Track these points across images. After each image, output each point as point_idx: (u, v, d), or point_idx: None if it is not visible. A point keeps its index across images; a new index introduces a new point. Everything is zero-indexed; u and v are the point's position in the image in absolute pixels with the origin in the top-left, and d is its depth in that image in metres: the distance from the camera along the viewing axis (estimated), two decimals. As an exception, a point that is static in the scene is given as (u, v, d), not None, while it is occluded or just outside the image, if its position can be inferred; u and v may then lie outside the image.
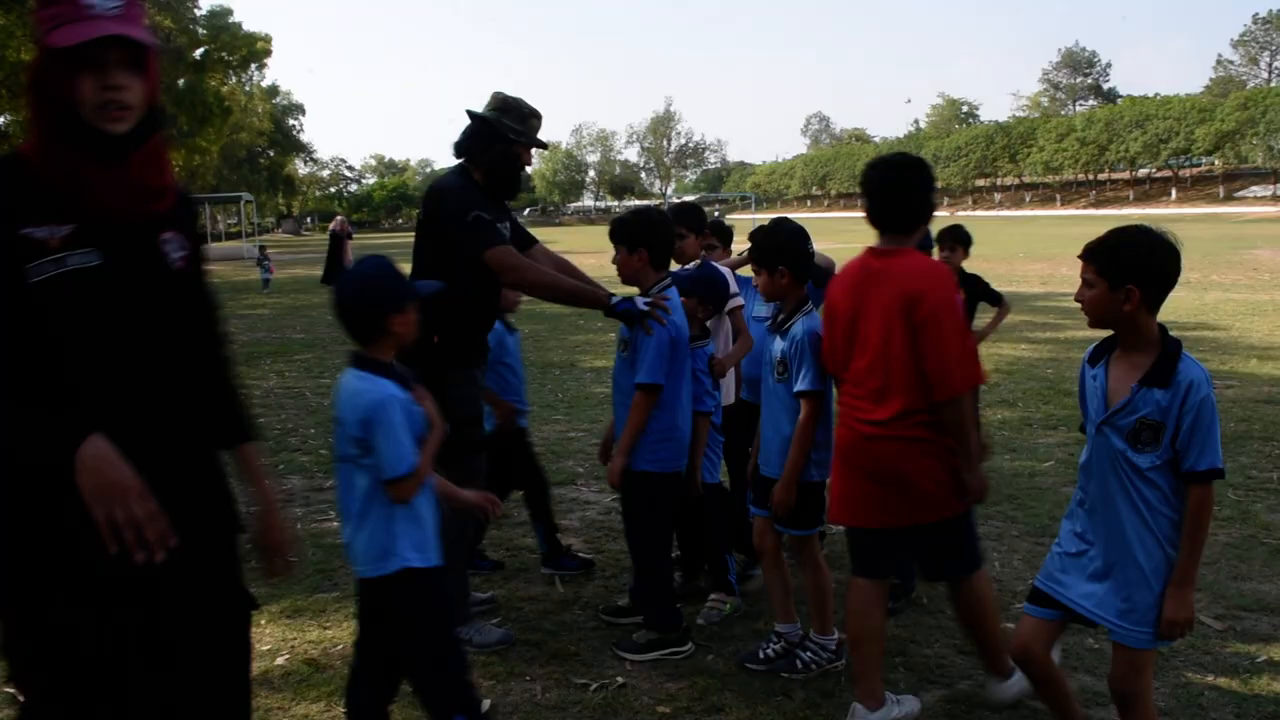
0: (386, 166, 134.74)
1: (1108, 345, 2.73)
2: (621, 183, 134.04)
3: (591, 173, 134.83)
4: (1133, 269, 2.57)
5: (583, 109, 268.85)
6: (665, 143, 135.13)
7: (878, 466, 3.17)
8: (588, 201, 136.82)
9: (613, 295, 3.75)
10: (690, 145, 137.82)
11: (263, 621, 4.14)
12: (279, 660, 3.85)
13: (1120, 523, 2.66)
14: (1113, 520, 2.68)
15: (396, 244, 37.88)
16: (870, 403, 3.16)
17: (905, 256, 3.22)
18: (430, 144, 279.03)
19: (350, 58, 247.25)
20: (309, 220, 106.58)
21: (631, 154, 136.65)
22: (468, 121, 3.90)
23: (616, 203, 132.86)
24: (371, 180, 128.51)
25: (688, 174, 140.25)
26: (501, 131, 3.80)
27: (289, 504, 5.85)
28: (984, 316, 5.73)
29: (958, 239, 5.70)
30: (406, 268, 3.16)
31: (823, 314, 3.51)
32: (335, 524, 5.42)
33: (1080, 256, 2.67)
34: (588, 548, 5.10)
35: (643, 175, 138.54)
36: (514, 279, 3.79)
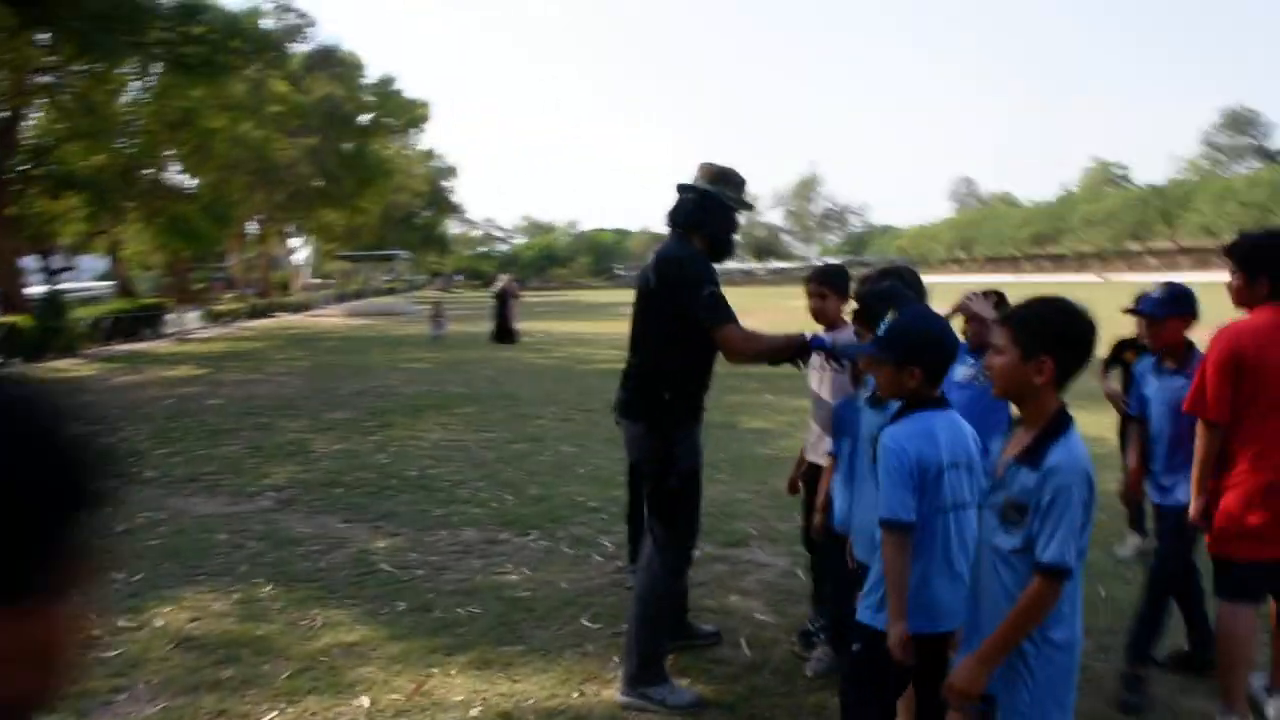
0: (535, 227, 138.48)
1: (1016, 421, 2.60)
2: (764, 245, 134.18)
3: (736, 236, 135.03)
4: (1050, 339, 2.43)
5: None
6: (808, 205, 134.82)
7: None
8: (730, 264, 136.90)
9: (803, 333, 4.00)
10: (834, 208, 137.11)
11: (453, 672, 4.18)
12: (472, 712, 3.87)
13: (982, 608, 2.54)
14: (980, 603, 2.56)
15: (546, 301, 38.73)
16: None
17: None
18: (576, 206, 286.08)
19: (501, 122, 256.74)
20: (457, 277, 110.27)
21: (775, 216, 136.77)
22: (677, 193, 4.13)
23: (759, 265, 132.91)
24: (520, 240, 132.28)
25: (830, 236, 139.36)
26: (723, 201, 4.05)
27: (465, 556, 5.92)
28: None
29: None
30: (584, 326, 3.12)
31: (1227, 359, 3.50)
32: (514, 577, 5.49)
33: (997, 321, 2.54)
34: (770, 611, 4.98)
35: (785, 238, 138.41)
36: (740, 357, 3.96)
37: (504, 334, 23.58)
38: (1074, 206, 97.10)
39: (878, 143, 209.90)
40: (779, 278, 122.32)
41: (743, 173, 4.14)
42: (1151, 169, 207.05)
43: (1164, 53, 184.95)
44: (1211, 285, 5.27)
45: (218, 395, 14.36)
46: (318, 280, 65.87)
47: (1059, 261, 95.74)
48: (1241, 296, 3.64)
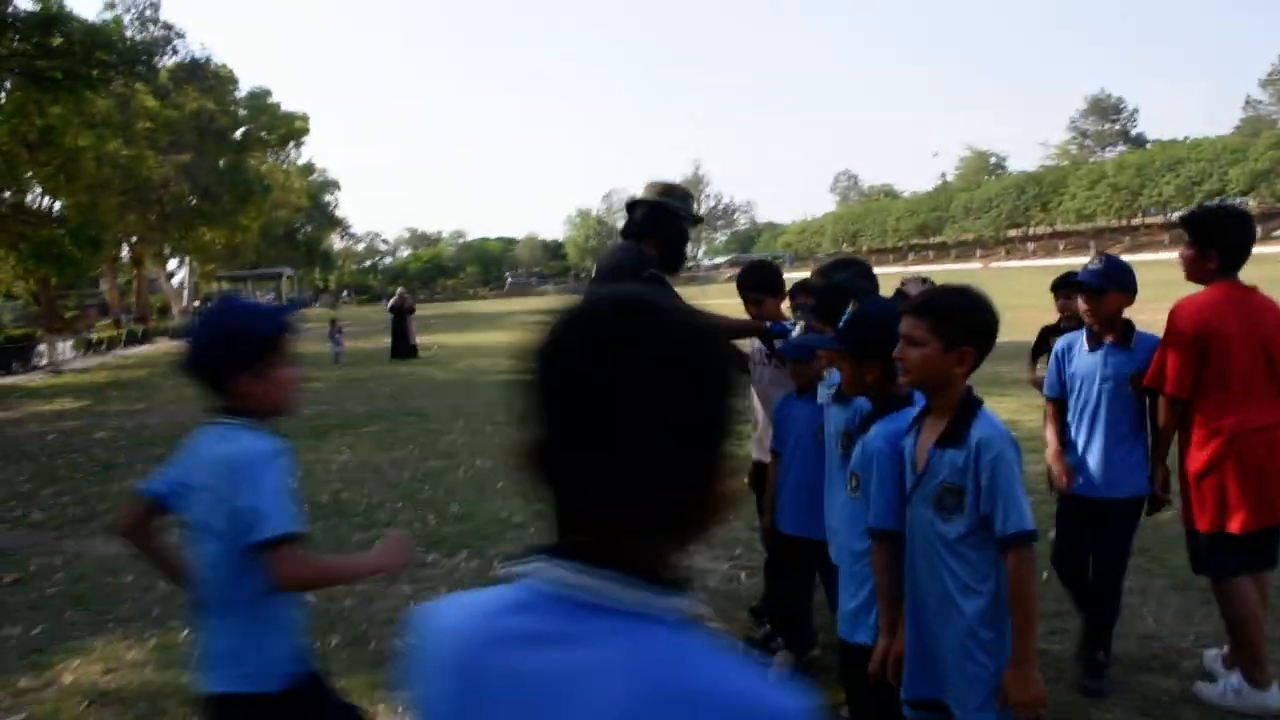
0: (420, 239, 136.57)
1: (922, 413, 2.60)
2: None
3: (687, 244, 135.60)
4: (972, 331, 2.46)
5: (614, 175, 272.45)
6: (695, 205, 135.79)
7: (1274, 464, 3.51)
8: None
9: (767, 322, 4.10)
10: (720, 207, 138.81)
11: (400, 709, 3.99)
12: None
13: (926, 603, 2.52)
14: (924, 598, 2.53)
15: (435, 314, 38.17)
16: (1267, 406, 3.53)
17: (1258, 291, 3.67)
18: (462, 216, 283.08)
19: (382, 133, 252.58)
20: (345, 294, 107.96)
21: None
22: (627, 210, 4.37)
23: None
24: (405, 252, 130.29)
25: (718, 235, 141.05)
26: (672, 211, 4.24)
27: (394, 582, 5.68)
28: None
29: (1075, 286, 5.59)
30: (480, 337, 2.98)
31: (1194, 335, 3.54)
32: (450, 600, 5.26)
33: (907, 312, 2.52)
34: (721, 619, 4.89)
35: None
36: None
37: (403, 348, 22.99)
38: (953, 196, 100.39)
39: (761, 141, 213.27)
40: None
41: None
42: (1025, 157, 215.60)
43: (1032, 43, 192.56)
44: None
45: (104, 427, 13.64)
46: (198, 302, 63.50)
47: (942, 250, 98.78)
48: (1192, 269, 3.73)
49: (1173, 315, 3.64)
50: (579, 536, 0.92)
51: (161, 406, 16.06)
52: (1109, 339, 3.85)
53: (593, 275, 4.27)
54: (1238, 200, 69.74)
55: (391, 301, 24.12)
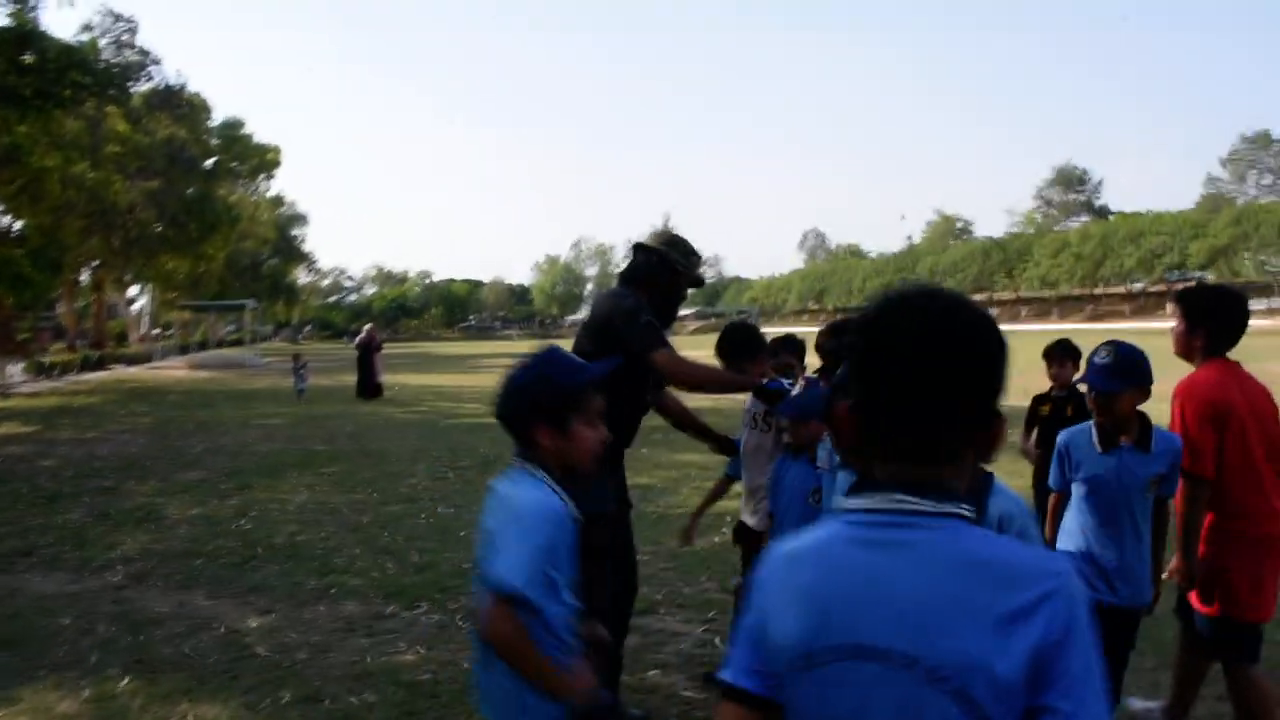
0: (386, 277, 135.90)
1: None
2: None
3: (590, 286, 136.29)
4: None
5: (582, 224, 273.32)
6: (700, 265, 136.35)
7: None
8: (585, 314, 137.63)
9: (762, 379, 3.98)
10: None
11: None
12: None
13: None
14: None
15: (398, 354, 37.82)
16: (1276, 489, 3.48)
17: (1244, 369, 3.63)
18: (429, 256, 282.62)
19: (354, 169, 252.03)
20: (307, 328, 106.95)
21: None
22: (631, 253, 4.20)
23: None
24: (371, 290, 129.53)
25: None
26: (671, 263, 4.06)
27: (350, 634, 5.39)
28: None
29: (1069, 353, 5.48)
30: (443, 378, 2.75)
31: (1214, 415, 3.42)
32: (409, 656, 5.00)
33: None
34: (696, 686, 4.64)
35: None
36: (682, 379, 3.92)
37: (369, 387, 22.53)
38: (919, 258, 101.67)
39: (731, 196, 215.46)
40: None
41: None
42: (991, 223, 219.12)
43: (1000, 112, 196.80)
44: (1051, 334, 5.41)
45: (51, 455, 13.18)
46: (157, 330, 62.52)
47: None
48: (1180, 345, 3.63)
49: (1185, 397, 3.48)
50: (899, 470, 1.28)
51: (113, 436, 15.60)
52: (1125, 440, 3.45)
53: (588, 319, 4.09)
54: (1197, 274, 71.19)
55: (359, 338, 23.62)
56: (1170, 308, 3.73)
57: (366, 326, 24.95)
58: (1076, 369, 5.43)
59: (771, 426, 4.15)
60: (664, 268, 4.06)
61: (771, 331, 4.97)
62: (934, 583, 1.20)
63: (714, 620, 5.54)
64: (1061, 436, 3.70)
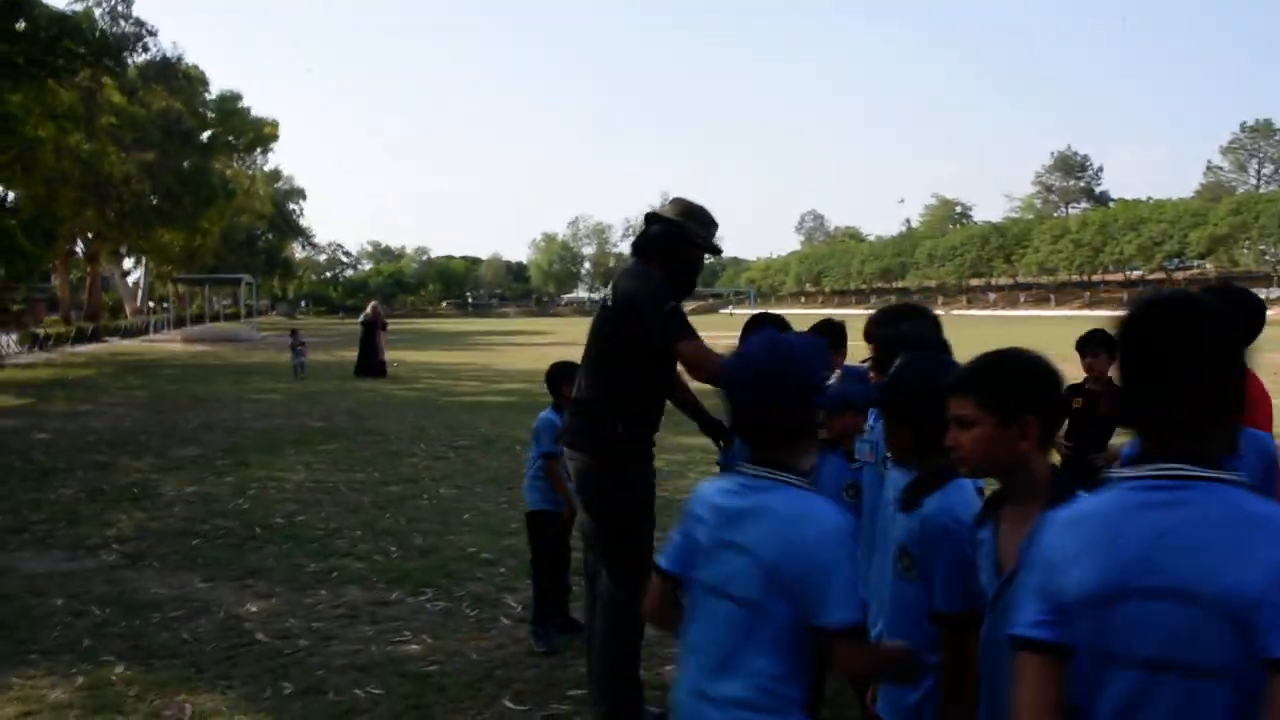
0: (383, 253, 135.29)
1: (995, 500, 2.16)
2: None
3: (587, 265, 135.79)
4: (1028, 397, 2.04)
5: (580, 202, 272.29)
6: (717, 234, 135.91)
7: None
8: (582, 293, 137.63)
9: None
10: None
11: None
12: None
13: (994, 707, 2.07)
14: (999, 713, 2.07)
15: (396, 331, 37.56)
16: None
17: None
18: (427, 232, 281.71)
19: (352, 144, 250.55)
20: (302, 304, 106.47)
21: (626, 247, 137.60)
22: (645, 223, 4.02)
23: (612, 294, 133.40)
24: (367, 266, 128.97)
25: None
26: (688, 235, 3.89)
27: (354, 621, 5.21)
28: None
29: (1104, 344, 5.25)
30: (441, 356, 2.57)
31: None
32: (415, 646, 4.83)
33: (949, 390, 2.12)
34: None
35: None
36: (706, 374, 3.57)
37: (372, 365, 22.04)
38: (918, 242, 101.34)
39: (729, 176, 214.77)
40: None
41: (714, 216, 4.02)
42: (990, 208, 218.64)
43: (1001, 96, 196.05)
44: (1048, 320, 5.21)
45: (45, 429, 12.98)
46: (152, 303, 62.07)
47: (904, 296, 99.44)
48: None
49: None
50: (1164, 444, 1.53)
51: (107, 410, 15.41)
52: None
53: (609, 299, 3.89)
54: (1196, 264, 71.05)
55: (364, 315, 23.16)
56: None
57: (371, 303, 24.48)
58: (1112, 360, 5.21)
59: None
60: (681, 239, 3.89)
61: (771, 312, 4.78)
62: (1217, 533, 1.44)
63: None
64: (1126, 447, 3.44)
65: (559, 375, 5.09)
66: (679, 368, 3.89)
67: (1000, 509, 2.15)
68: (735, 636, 2.06)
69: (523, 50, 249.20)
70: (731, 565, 2.08)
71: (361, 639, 4.94)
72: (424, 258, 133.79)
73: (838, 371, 3.63)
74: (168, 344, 38.98)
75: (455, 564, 6.35)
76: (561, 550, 5.18)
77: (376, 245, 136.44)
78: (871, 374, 3.30)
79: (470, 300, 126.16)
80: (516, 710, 4.11)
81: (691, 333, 3.67)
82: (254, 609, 5.42)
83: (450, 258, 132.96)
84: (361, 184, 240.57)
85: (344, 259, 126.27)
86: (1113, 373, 3.47)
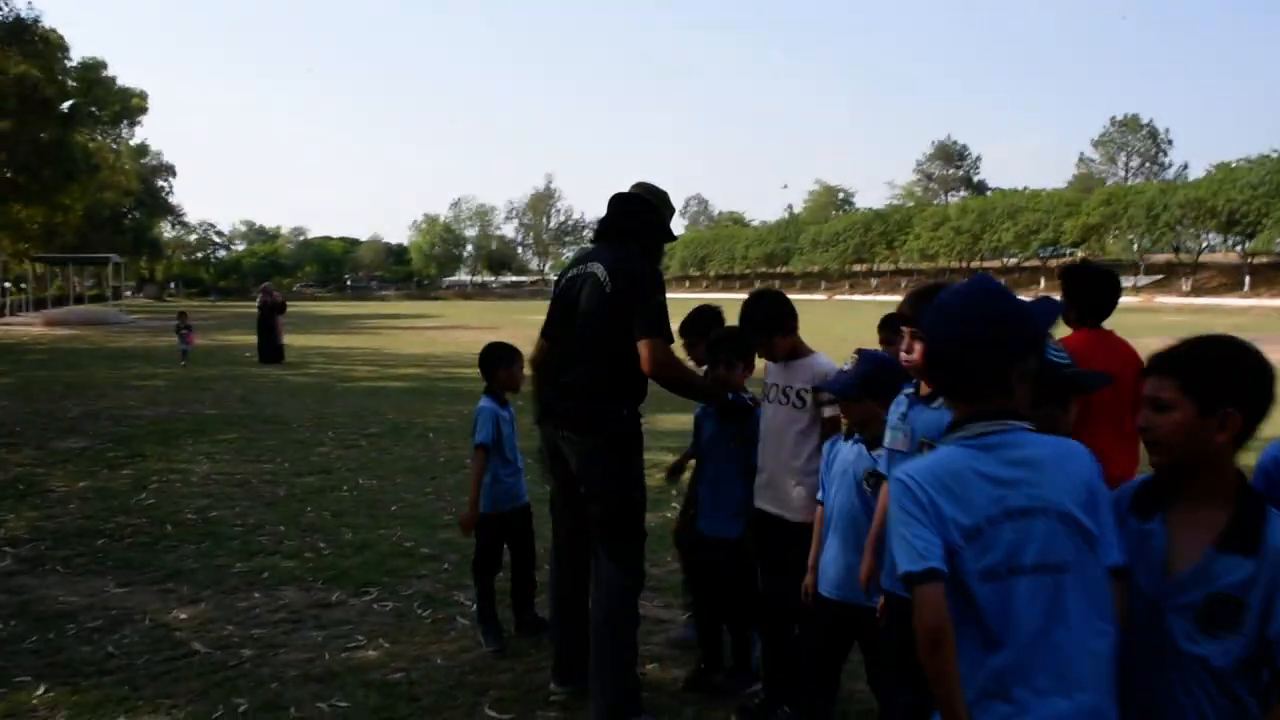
0: (257, 233, 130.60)
1: (1157, 491, 2.02)
2: (499, 258, 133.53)
3: (469, 247, 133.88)
4: (1233, 388, 1.91)
5: (462, 183, 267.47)
6: (545, 219, 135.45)
7: None
8: (464, 276, 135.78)
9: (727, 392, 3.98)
10: (569, 222, 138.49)
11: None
12: None
13: None
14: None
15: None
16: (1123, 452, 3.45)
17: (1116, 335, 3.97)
18: (304, 213, 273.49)
19: (225, 118, 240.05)
20: (171, 285, 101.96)
21: (509, 230, 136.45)
22: (613, 205, 3.99)
23: (493, 278, 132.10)
24: (241, 247, 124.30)
25: (565, 251, 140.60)
26: (662, 222, 3.99)
27: (298, 627, 4.80)
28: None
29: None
30: (328, 340, 2.31)
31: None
32: (372, 652, 4.45)
33: (1149, 370, 2.00)
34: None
35: (520, 251, 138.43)
36: (662, 374, 3.66)
37: (272, 351, 20.87)
38: (802, 228, 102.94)
39: (614, 159, 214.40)
40: (513, 291, 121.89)
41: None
42: (872, 195, 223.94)
43: (883, 84, 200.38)
44: None
45: (-96, 420, 11.90)
46: (7, 284, 58.38)
47: (788, 281, 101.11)
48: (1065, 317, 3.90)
49: None
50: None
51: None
52: None
53: (607, 284, 3.73)
54: (1069, 251, 73.93)
55: (260, 299, 21.91)
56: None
57: (264, 285, 23.29)
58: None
59: (805, 402, 3.75)
60: (656, 226, 3.98)
61: (710, 305, 4.64)
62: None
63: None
64: None
65: (495, 359, 4.79)
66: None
67: (1170, 503, 1.98)
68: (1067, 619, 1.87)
69: (404, 28, 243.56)
70: (1029, 532, 1.87)
71: (311, 646, 4.53)
72: (300, 238, 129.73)
73: (853, 355, 3.44)
74: (27, 327, 36.70)
75: (394, 560, 5.95)
76: (525, 545, 4.87)
77: (250, 225, 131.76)
78: (906, 356, 3.11)
79: (349, 283, 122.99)
80: (501, 719, 3.80)
81: (669, 335, 3.68)
82: (183, 616, 4.94)
83: (328, 239, 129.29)
84: (236, 160, 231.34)
85: (216, 239, 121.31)
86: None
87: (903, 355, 3.16)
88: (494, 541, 4.74)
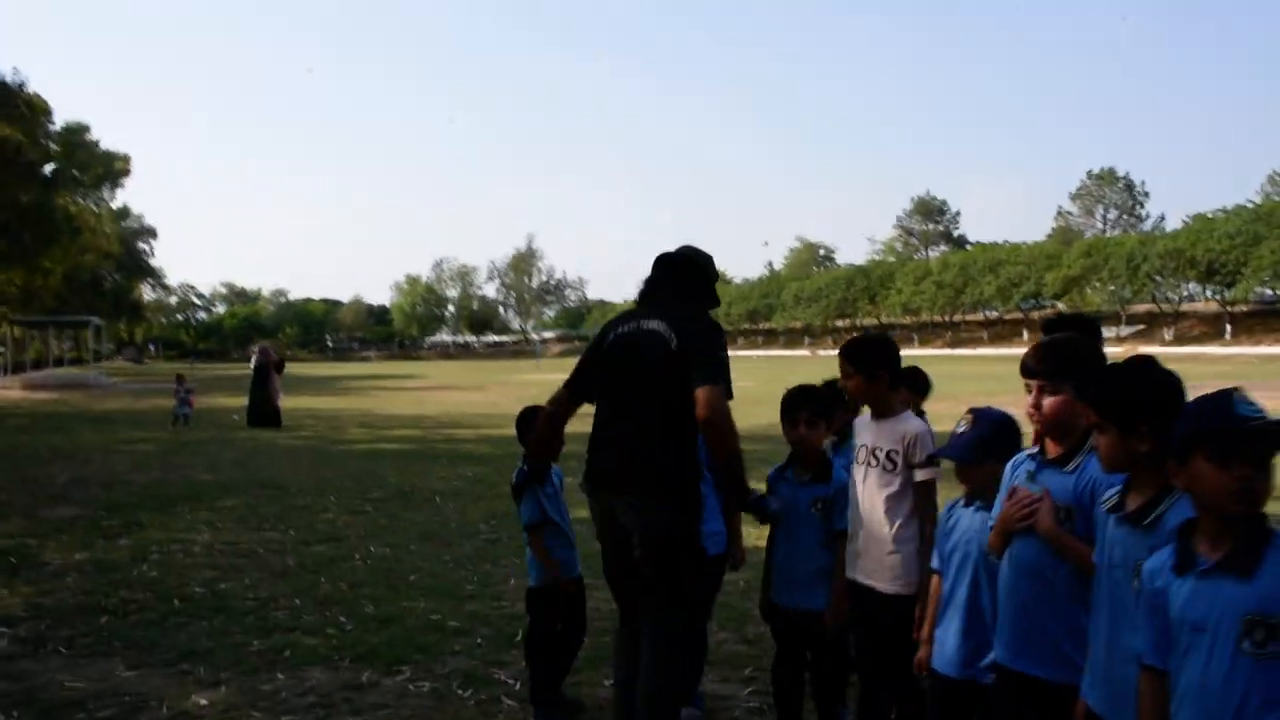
0: (237, 295, 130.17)
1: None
2: (481, 318, 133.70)
3: (451, 307, 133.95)
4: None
5: (444, 244, 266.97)
6: (526, 279, 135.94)
7: None
8: (445, 336, 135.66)
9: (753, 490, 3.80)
10: (551, 282, 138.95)
11: None
12: None
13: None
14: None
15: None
16: None
17: None
18: (284, 274, 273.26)
19: (206, 181, 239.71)
20: (151, 348, 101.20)
21: (491, 290, 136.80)
22: (660, 267, 3.97)
23: (475, 338, 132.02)
24: (221, 309, 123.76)
25: (547, 310, 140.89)
26: (713, 280, 4.01)
27: (331, 713, 4.41)
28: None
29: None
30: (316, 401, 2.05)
31: None
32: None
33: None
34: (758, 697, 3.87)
35: (503, 311, 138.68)
36: (717, 431, 3.49)
37: (265, 414, 20.20)
38: (784, 284, 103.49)
39: (593, 217, 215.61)
40: (495, 351, 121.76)
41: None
42: (852, 250, 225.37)
43: (862, 143, 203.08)
44: (913, 358, 4.98)
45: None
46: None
47: (771, 337, 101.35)
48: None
49: None
50: None
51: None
52: None
53: (673, 341, 3.62)
54: (1050, 304, 74.53)
55: (254, 358, 21.29)
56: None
57: (260, 345, 22.75)
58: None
59: (896, 465, 3.46)
60: (709, 287, 3.98)
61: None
62: None
63: (755, 679, 4.77)
64: None
65: (530, 423, 4.45)
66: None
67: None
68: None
69: (380, 90, 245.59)
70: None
71: (351, 739, 4.15)
72: (281, 300, 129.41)
73: (966, 415, 3.16)
74: (5, 391, 36.06)
75: (423, 635, 5.56)
76: (576, 619, 4.53)
77: (231, 287, 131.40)
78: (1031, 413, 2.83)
79: (330, 344, 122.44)
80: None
81: (729, 388, 3.55)
82: (203, 702, 4.53)
83: (309, 300, 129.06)
84: (217, 222, 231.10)
85: (196, 301, 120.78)
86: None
87: (1029, 412, 2.88)
88: (549, 617, 4.40)
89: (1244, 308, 66.96)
